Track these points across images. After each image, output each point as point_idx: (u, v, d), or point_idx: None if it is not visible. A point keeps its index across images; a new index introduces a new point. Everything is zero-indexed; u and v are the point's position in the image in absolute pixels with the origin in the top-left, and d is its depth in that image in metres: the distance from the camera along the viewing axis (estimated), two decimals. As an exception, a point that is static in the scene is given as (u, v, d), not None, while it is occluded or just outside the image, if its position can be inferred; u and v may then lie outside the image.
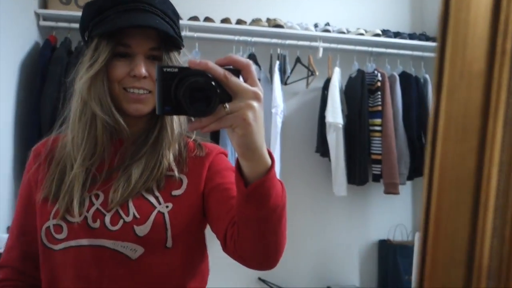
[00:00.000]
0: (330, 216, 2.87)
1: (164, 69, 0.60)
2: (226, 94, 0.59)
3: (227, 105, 0.59)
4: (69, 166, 0.83)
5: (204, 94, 0.58)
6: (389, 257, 2.77)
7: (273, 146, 2.57)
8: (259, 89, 0.61)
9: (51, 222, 0.80)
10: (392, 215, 2.92)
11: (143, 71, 0.80)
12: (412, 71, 2.74)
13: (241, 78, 0.61)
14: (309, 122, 2.78)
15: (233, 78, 0.59)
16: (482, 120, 0.29)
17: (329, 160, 2.64)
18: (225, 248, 0.80)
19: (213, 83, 0.58)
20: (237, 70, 0.61)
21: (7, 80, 2.03)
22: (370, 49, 2.67)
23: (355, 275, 2.91)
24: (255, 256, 0.75)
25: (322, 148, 2.66)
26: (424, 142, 2.65)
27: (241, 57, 0.62)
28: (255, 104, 0.59)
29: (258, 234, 0.71)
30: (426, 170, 0.31)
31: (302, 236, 2.85)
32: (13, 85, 2.09)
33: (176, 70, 0.60)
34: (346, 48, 2.66)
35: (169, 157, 0.86)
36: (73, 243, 0.79)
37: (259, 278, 2.81)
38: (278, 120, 2.56)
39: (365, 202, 2.90)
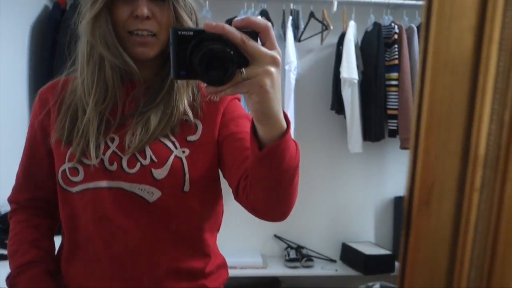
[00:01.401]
0: (345, 173, 2.88)
1: (179, 32, 0.58)
2: (243, 58, 0.57)
3: (244, 70, 0.57)
4: (81, 111, 0.84)
5: (221, 63, 0.56)
6: (404, 213, 2.78)
7: (287, 103, 2.56)
8: (277, 53, 0.59)
9: (66, 165, 0.82)
10: (408, 171, 2.91)
11: (145, 10, 0.79)
12: (430, 23, 2.65)
13: (259, 41, 0.59)
14: (324, 79, 2.74)
15: (250, 42, 0.57)
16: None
17: (344, 117, 2.62)
18: (237, 197, 0.82)
19: (230, 50, 0.56)
20: (255, 33, 0.58)
21: (19, 45, 2.05)
22: (387, 1, 2.58)
23: (370, 231, 2.94)
24: (266, 210, 0.78)
25: (337, 105, 2.64)
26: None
27: (260, 19, 0.59)
28: (272, 69, 0.58)
29: (270, 192, 0.73)
30: (420, 56, 0.31)
31: (317, 193, 2.87)
32: (25, 51, 2.12)
33: (191, 33, 0.58)
34: (361, 0, 2.57)
35: (184, 102, 0.85)
36: (91, 185, 0.82)
37: (275, 235, 2.87)
38: (291, 77, 2.53)
39: (381, 159, 2.89)
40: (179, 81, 0.85)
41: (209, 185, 0.87)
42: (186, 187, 0.83)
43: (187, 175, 0.82)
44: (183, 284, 0.86)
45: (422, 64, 0.32)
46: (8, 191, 0.95)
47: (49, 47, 2.19)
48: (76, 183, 0.82)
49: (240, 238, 2.63)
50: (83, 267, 0.86)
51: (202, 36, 0.57)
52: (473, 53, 0.30)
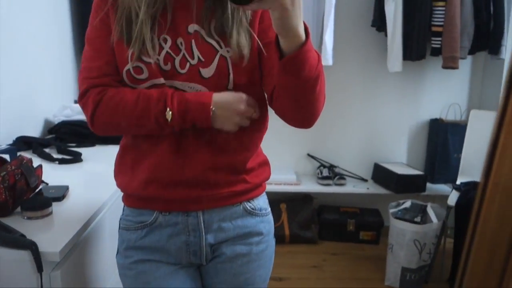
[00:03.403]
0: (382, 93, 2.84)
1: None
2: None
3: None
4: (134, 13, 0.85)
5: None
6: (439, 136, 2.76)
7: (327, 19, 2.47)
8: None
9: (130, 65, 0.85)
10: (447, 93, 2.84)
11: None
12: None
13: None
14: (366, -7, 2.61)
15: None
16: None
17: (385, 35, 2.52)
18: (271, 104, 0.89)
19: None
20: None
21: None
22: None
23: (403, 153, 2.95)
24: (292, 116, 0.86)
25: (379, 21, 2.53)
26: (491, 13, 2.43)
27: None
28: None
29: (294, 100, 0.81)
30: None
31: (352, 113, 2.86)
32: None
33: None
34: None
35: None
36: (155, 81, 0.86)
37: (308, 154, 2.93)
38: (333, -8, 2.42)
39: (420, 79, 2.81)
40: None
41: (252, 86, 0.90)
42: (230, 85, 0.87)
43: (231, 75, 0.86)
44: (225, 177, 0.92)
45: None
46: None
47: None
48: (142, 81, 0.86)
49: (275, 157, 2.67)
50: (140, 161, 0.92)
51: None
52: None
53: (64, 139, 1.75)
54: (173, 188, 0.90)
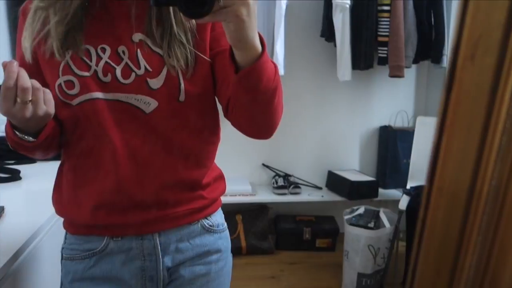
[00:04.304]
0: (333, 101, 2.89)
1: None
2: None
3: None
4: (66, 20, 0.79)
5: None
6: (389, 142, 2.84)
7: (277, 29, 2.49)
8: None
9: (61, 79, 0.80)
10: (394, 101, 2.93)
11: None
12: None
13: None
14: (315, 4, 2.66)
15: None
16: None
17: (334, 45, 2.58)
18: (226, 114, 0.85)
19: None
20: None
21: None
22: None
23: (355, 160, 3.01)
24: (250, 130, 0.84)
25: (328, 32, 2.58)
26: (433, 21, 2.55)
27: None
28: None
29: (252, 113, 0.78)
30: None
31: (305, 122, 2.89)
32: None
33: None
34: None
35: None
36: (87, 96, 0.80)
37: (263, 164, 2.93)
38: (282, 3, 2.45)
39: (369, 88, 2.89)
40: None
41: (204, 97, 0.86)
42: (182, 97, 0.82)
43: (182, 85, 0.81)
44: (181, 195, 0.87)
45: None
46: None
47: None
48: (73, 96, 0.80)
49: (230, 167, 2.65)
50: (87, 184, 0.86)
51: None
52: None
53: (1, 156, 1.64)
54: (126, 212, 0.84)
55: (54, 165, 0.99)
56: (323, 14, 2.60)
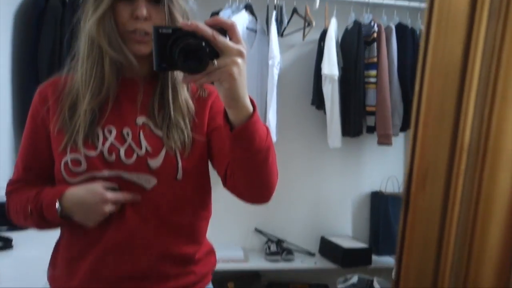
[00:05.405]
0: (324, 167, 2.94)
1: (160, 30, 0.68)
2: (214, 51, 0.68)
3: (215, 61, 0.67)
4: (78, 103, 0.87)
5: (196, 54, 0.66)
6: (380, 208, 2.86)
7: (270, 97, 2.59)
8: (243, 47, 0.69)
9: (68, 157, 0.85)
10: (385, 166, 2.99)
11: (144, 11, 0.83)
12: (408, 22, 2.73)
13: (227, 37, 0.69)
14: (305, 74, 2.79)
15: (220, 38, 0.67)
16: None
17: (324, 112, 2.67)
18: (225, 184, 0.89)
19: (203, 43, 0.67)
20: (223, 30, 0.69)
21: (2, 31, 2.01)
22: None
23: (348, 225, 3.01)
24: (248, 193, 0.87)
25: (318, 101, 2.69)
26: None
27: (226, 19, 0.70)
28: (239, 60, 0.68)
29: (247, 173, 0.82)
30: (420, 61, 0.36)
31: (296, 187, 2.92)
32: (8, 36, 2.07)
33: (170, 31, 0.68)
34: (342, -2, 2.63)
35: (186, 96, 0.92)
36: (96, 174, 0.85)
37: (256, 229, 2.91)
38: (274, 72, 2.57)
39: (359, 154, 2.96)
40: (178, 79, 0.91)
41: (200, 174, 0.92)
42: (179, 175, 0.87)
43: (179, 165, 0.87)
44: (174, 269, 0.89)
45: (421, 70, 0.36)
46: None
47: (34, 33, 2.15)
48: (78, 174, 0.85)
49: (221, 232, 2.65)
50: (82, 256, 0.88)
51: (179, 33, 0.68)
52: (461, 62, 0.35)
53: (-8, 222, 1.63)
54: (120, 284, 0.86)
55: (48, 233, 1.01)
56: (313, 84, 2.72)
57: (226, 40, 0.68)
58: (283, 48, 2.66)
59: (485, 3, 0.36)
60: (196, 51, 0.66)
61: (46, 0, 2.19)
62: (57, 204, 0.84)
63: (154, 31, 0.68)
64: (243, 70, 0.70)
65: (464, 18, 0.37)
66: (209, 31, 0.66)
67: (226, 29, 0.69)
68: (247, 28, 2.48)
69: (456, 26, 0.37)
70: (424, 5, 2.60)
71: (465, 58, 0.37)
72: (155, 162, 0.86)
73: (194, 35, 0.67)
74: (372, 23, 2.60)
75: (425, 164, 0.41)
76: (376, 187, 2.98)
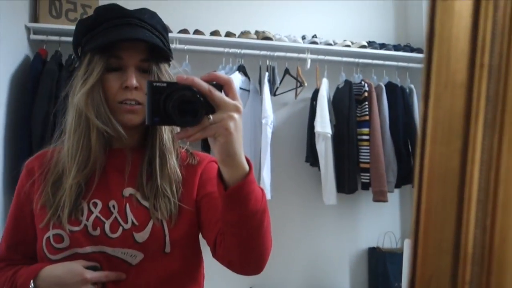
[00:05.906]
0: (320, 224, 2.90)
1: (154, 84, 0.65)
2: (210, 106, 0.66)
3: (211, 116, 0.65)
4: (64, 177, 0.86)
5: (191, 107, 0.64)
6: (378, 265, 2.80)
7: (264, 155, 2.60)
8: (239, 103, 0.67)
9: (51, 232, 0.82)
10: (381, 222, 2.96)
11: (134, 81, 0.83)
12: (397, 81, 2.81)
13: (223, 93, 0.67)
14: (299, 132, 2.82)
15: (216, 92, 0.65)
16: (465, 124, 0.33)
17: (319, 169, 2.68)
18: (215, 254, 0.84)
19: (199, 96, 0.64)
20: (219, 85, 0.68)
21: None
22: (356, 60, 2.74)
23: (346, 282, 2.93)
24: (240, 261, 0.79)
25: (312, 158, 2.70)
26: (410, 149, 2.71)
27: (223, 74, 0.69)
28: (235, 115, 0.66)
29: (241, 238, 0.75)
30: (416, 169, 0.35)
31: (293, 244, 2.87)
32: (4, 99, 2.08)
33: (165, 84, 0.66)
34: (333, 59, 2.71)
35: (174, 163, 0.90)
36: (78, 250, 0.82)
37: (251, 288, 2.82)
38: (268, 131, 2.59)
39: (355, 210, 2.94)
40: (167, 146, 0.90)
41: (189, 245, 0.88)
42: (167, 249, 0.84)
43: (167, 237, 0.84)
44: None
45: (419, 177, 0.35)
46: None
47: (29, 97, 2.17)
48: (60, 250, 0.82)
49: (215, 293, 2.57)
50: None
51: (175, 87, 0.65)
52: (459, 170, 0.35)
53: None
54: None
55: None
56: (307, 142, 2.74)
57: (223, 95, 0.66)
58: (276, 106, 2.71)
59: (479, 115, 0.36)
60: (191, 103, 0.64)
61: (43, 64, 2.24)
62: (31, 285, 0.80)
63: (149, 84, 0.65)
64: (239, 126, 0.67)
65: (460, 128, 0.37)
66: (205, 85, 0.65)
67: (222, 85, 0.68)
68: (241, 88, 2.54)
69: (452, 135, 0.37)
70: (412, 64, 2.70)
71: (462, 166, 0.37)
72: (142, 236, 0.83)
73: (190, 89, 0.65)
74: (363, 83, 2.67)
75: (428, 273, 0.39)
76: (373, 243, 2.94)
